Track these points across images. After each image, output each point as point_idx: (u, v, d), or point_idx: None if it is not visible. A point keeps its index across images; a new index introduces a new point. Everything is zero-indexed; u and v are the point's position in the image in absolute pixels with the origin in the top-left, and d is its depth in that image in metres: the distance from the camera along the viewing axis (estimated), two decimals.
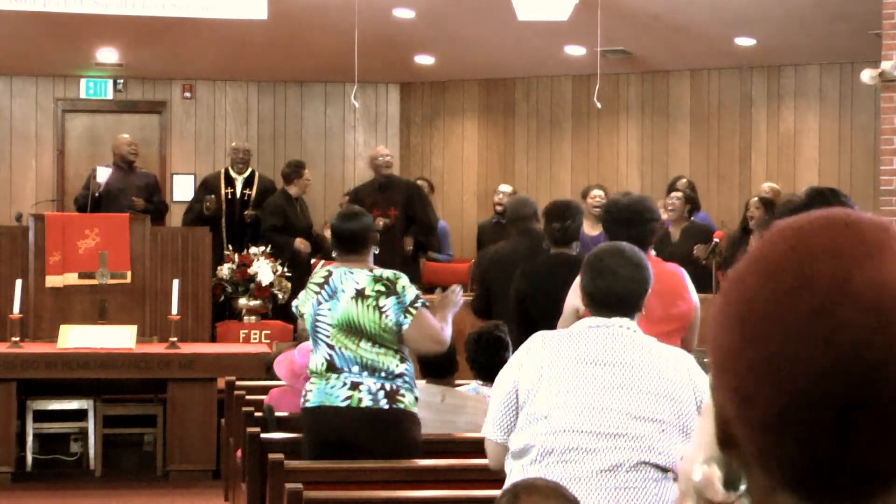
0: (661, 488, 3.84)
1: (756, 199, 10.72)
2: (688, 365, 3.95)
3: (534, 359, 3.95)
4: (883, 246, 1.15)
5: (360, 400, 5.57)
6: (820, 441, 1.13)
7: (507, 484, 3.69)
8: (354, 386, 5.59)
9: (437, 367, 6.30)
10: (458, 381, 6.75)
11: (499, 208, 12.60)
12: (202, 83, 14.66)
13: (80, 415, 9.35)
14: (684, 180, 11.92)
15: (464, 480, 5.13)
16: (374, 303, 5.64)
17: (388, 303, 5.65)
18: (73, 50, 13.38)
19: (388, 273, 5.77)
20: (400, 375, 5.66)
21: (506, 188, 12.76)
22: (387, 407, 5.59)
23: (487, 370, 6.41)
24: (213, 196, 11.99)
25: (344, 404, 5.59)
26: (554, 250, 6.87)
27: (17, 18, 11.51)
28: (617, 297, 4.01)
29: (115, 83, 14.41)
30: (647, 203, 5.86)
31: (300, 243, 11.75)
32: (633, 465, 3.80)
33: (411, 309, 5.67)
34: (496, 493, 3.84)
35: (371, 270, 5.76)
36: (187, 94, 14.63)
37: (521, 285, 6.84)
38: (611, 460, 3.81)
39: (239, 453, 6.90)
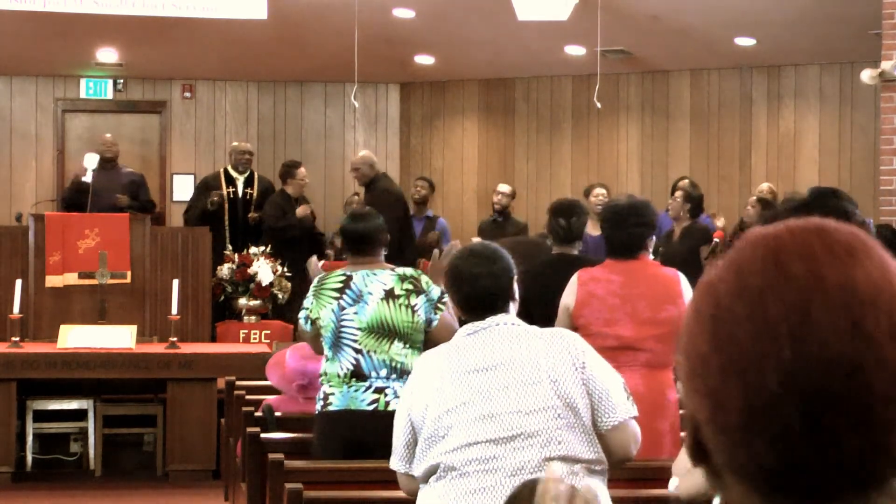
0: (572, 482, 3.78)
1: (754, 198, 10.72)
2: (561, 336, 3.95)
3: (421, 381, 3.94)
4: (854, 251, 1.16)
5: (387, 404, 5.55)
6: (788, 442, 1.12)
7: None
8: (379, 390, 5.59)
9: None
10: None
11: (497, 207, 12.61)
12: (202, 83, 14.65)
13: (80, 415, 9.34)
14: (686, 181, 11.88)
15: None
16: (406, 302, 5.62)
17: (419, 301, 5.64)
18: (73, 50, 13.37)
19: (409, 271, 5.77)
20: None
21: (505, 188, 12.74)
22: None
23: None
24: (220, 192, 12.01)
25: (370, 408, 5.58)
26: (556, 250, 6.79)
27: (17, 18, 11.50)
28: (478, 298, 4.01)
29: (115, 83, 14.41)
30: (643, 208, 5.81)
31: (303, 210, 11.91)
32: (537, 464, 3.74)
33: (440, 305, 5.66)
34: None
35: (393, 270, 5.74)
36: (187, 94, 14.63)
37: (524, 286, 6.88)
38: (513, 464, 3.76)
39: (239, 453, 6.90)
